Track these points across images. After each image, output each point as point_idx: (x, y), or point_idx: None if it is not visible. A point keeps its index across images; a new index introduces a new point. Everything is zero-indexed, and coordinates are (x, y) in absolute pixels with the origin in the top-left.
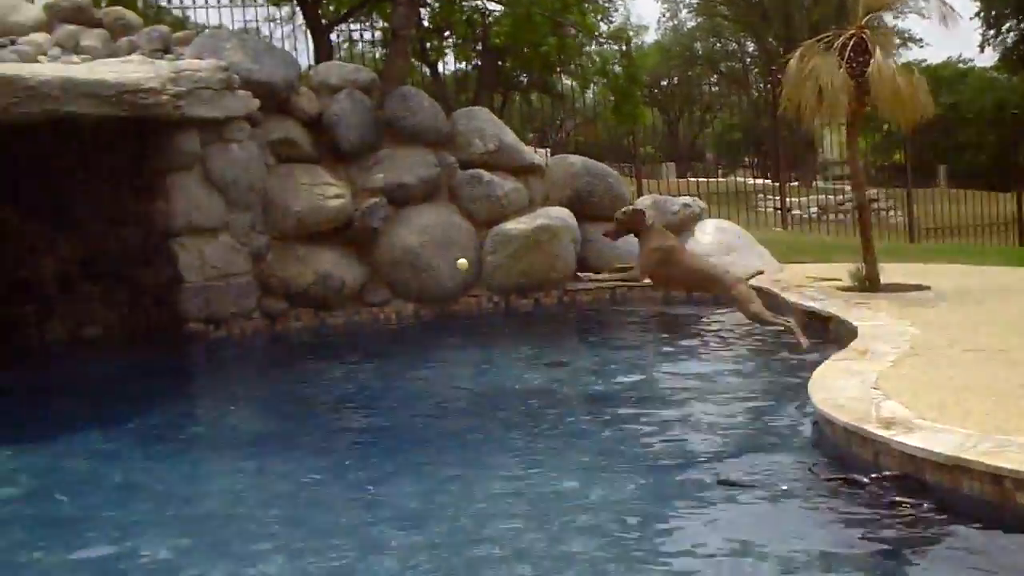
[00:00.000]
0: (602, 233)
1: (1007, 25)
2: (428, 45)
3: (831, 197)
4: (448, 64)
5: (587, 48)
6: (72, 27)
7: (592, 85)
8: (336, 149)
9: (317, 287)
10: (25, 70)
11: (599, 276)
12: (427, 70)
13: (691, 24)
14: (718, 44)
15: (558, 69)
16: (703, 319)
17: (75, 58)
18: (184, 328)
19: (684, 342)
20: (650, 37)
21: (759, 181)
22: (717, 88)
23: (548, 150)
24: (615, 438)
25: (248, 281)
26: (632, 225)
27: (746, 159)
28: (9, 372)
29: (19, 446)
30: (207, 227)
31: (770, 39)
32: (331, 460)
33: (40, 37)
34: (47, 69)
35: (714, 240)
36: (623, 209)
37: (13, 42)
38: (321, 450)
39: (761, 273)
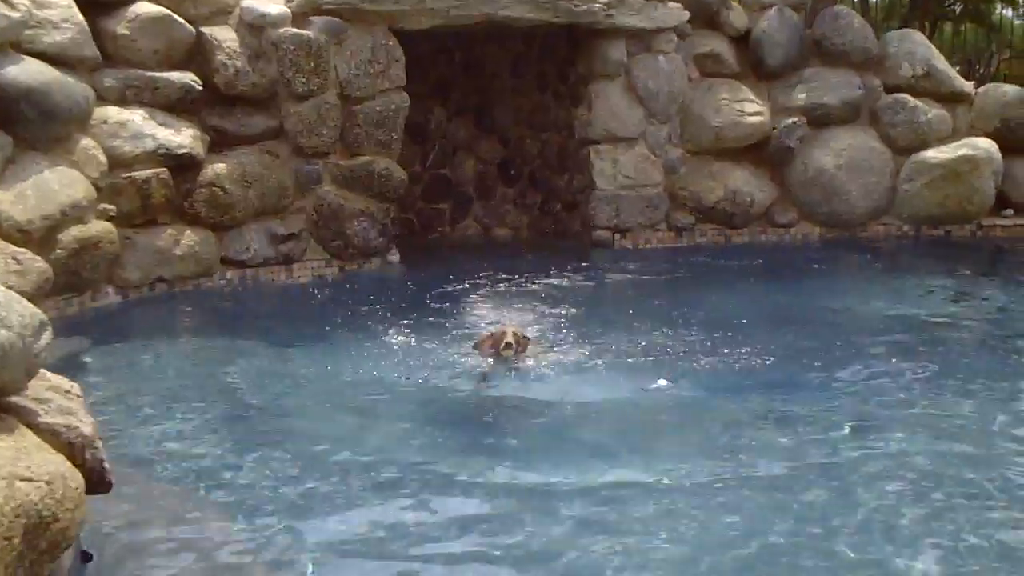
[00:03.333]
0: None
1: None
2: None
3: None
4: None
5: None
6: None
7: None
8: (760, 66)
9: (726, 203)
10: None
11: None
12: None
13: None
14: None
15: None
16: None
17: None
18: (591, 235)
19: None
20: None
21: None
22: None
23: (973, 83)
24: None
25: (659, 193)
26: None
27: None
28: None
29: None
30: (624, 136)
31: None
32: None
33: None
34: None
35: None
36: None
37: None
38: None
39: None
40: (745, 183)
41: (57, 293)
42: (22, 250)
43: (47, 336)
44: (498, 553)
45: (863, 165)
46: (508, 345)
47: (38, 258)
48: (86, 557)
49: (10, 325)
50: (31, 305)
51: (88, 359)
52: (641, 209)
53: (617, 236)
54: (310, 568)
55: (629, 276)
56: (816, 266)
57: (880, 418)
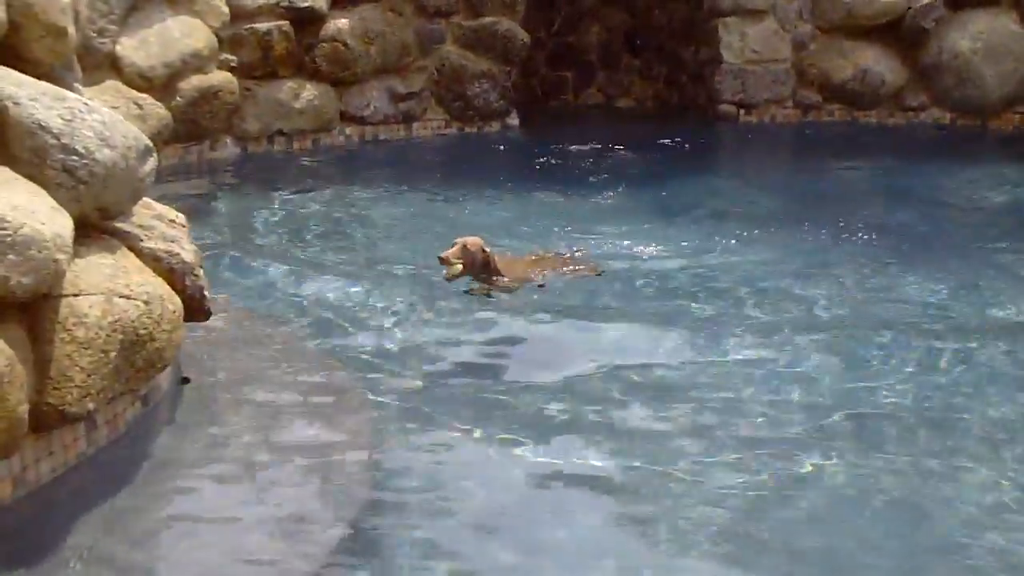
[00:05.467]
0: None
1: None
2: None
3: None
4: None
5: None
6: None
7: None
8: None
9: (855, 83)
10: None
11: None
12: None
13: None
14: None
15: None
16: None
17: None
18: (715, 108)
19: None
20: None
21: None
22: None
23: None
24: None
25: (786, 69)
26: None
27: None
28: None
29: None
30: (753, 9)
31: None
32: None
33: None
34: None
35: None
36: None
37: None
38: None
39: None
40: (876, 63)
41: (177, 141)
42: (143, 95)
43: (152, 162)
44: None
45: (1000, 50)
46: (444, 260)
47: (159, 104)
48: (184, 380)
49: (114, 145)
50: (135, 128)
51: (203, 204)
52: (767, 84)
53: (742, 111)
54: None
55: (749, 151)
56: (943, 152)
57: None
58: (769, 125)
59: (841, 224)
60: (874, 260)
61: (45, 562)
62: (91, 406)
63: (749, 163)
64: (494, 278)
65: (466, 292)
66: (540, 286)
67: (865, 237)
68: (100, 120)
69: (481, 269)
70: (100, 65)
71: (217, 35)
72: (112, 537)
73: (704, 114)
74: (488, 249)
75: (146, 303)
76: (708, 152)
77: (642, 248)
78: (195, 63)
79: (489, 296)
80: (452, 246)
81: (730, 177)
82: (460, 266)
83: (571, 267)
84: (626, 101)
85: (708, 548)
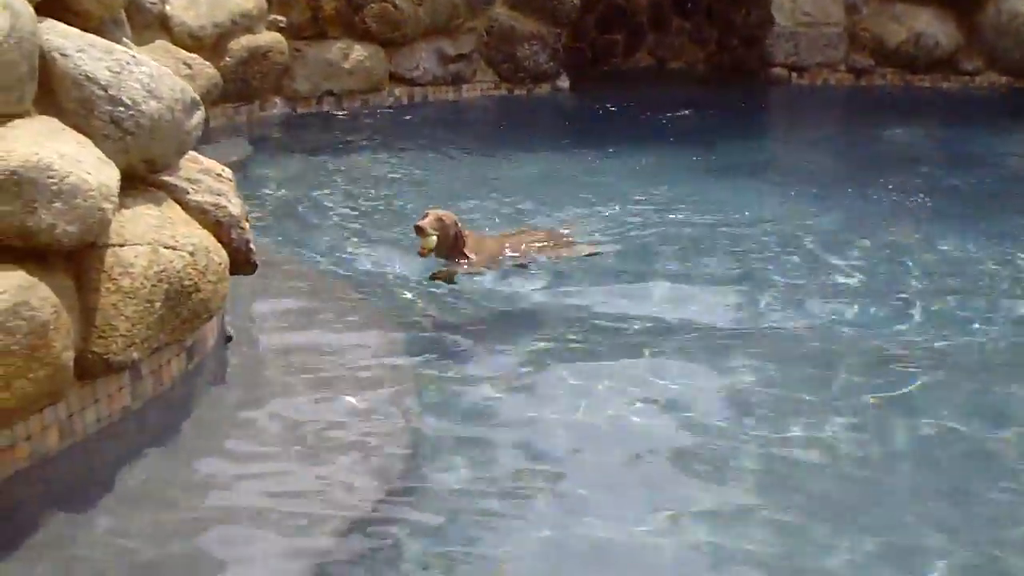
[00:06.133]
0: None
1: None
2: None
3: None
4: None
5: None
6: None
7: None
8: None
9: (908, 46)
10: None
11: None
12: None
13: None
14: None
15: None
16: None
17: None
18: (767, 72)
19: None
20: None
21: None
22: None
23: None
24: None
25: (839, 32)
26: None
27: None
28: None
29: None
30: None
31: None
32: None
33: None
34: None
35: None
36: None
37: None
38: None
39: None
40: (929, 26)
41: (226, 101)
42: (193, 55)
43: (199, 115)
44: None
45: None
46: (420, 230)
47: (208, 64)
48: (228, 339)
49: (161, 97)
50: (182, 82)
51: (251, 163)
52: (820, 48)
53: (793, 74)
54: None
55: (800, 115)
56: (998, 116)
57: None
58: (821, 89)
59: (890, 188)
60: (928, 223)
61: (90, 508)
62: (135, 355)
63: (800, 126)
64: (461, 259)
65: (429, 280)
66: (521, 266)
67: (917, 199)
68: (147, 72)
69: (452, 245)
70: (150, 25)
71: None
72: (156, 487)
73: (755, 77)
74: (460, 225)
75: (191, 254)
76: (759, 115)
77: (687, 210)
78: (245, 23)
79: (454, 283)
80: (424, 216)
81: (780, 140)
82: (435, 238)
83: (552, 243)
84: (677, 64)
85: None
